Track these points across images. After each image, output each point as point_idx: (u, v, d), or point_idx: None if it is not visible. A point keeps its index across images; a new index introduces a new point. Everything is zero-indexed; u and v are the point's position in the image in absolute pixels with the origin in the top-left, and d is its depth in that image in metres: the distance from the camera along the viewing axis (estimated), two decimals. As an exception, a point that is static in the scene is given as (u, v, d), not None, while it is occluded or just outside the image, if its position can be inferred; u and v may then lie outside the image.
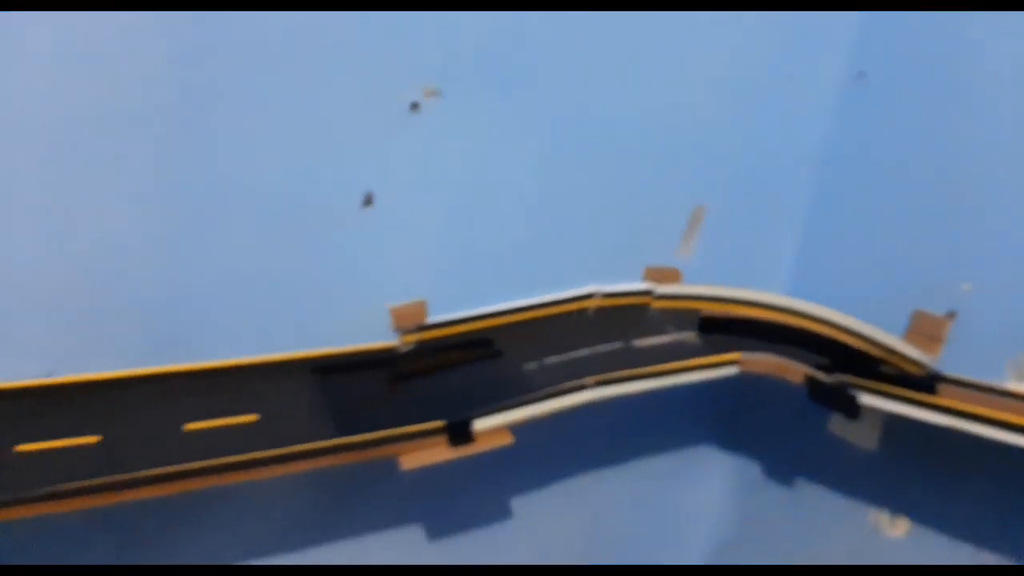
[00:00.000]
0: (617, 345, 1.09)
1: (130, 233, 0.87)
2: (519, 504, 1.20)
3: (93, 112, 0.82)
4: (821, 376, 1.06)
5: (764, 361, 1.09)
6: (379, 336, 1.02)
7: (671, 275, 1.15)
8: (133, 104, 0.83)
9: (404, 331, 1.03)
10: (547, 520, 1.22)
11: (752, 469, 1.30)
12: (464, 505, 1.16)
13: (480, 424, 0.95)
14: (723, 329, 1.13)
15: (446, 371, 1.04)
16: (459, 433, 0.94)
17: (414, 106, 0.97)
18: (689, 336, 1.12)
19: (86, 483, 0.78)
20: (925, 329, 1.06)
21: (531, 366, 1.04)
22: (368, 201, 0.98)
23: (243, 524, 1.03)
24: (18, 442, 0.80)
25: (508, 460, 1.05)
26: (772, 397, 1.24)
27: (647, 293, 1.13)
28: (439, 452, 0.92)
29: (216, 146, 0.88)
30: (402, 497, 1.11)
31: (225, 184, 0.90)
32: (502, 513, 1.19)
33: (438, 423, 0.94)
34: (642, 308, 1.13)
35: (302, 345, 0.97)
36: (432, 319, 1.04)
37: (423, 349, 1.04)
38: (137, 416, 0.85)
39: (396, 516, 1.13)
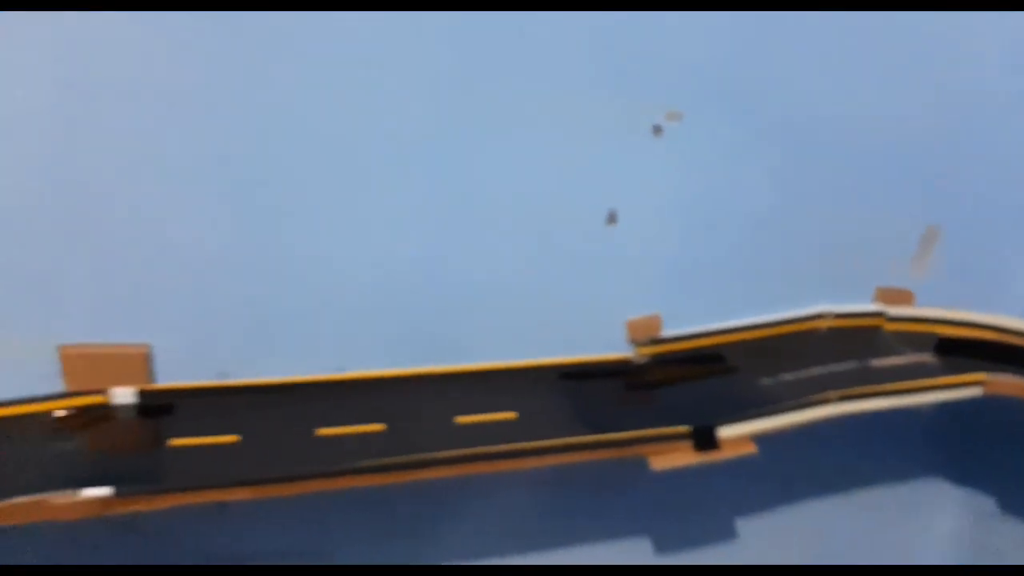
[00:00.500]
0: (852, 364, 1.09)
1: (409, 246, 0.98)
2: (745, 518, 1.21)
3: (380, 130, 0.93)
4: (1076, 399, 1.03)
5: (1011, 383, 1.06)
6: (616, 347, 1.08)
7: (904, 296, 1.14)
8: (417, 123, 0.94)
9: (639, 343, 1.08)
10: (770, 539, 1.22)
11: (987, 502, 1.25)
12: (691, 514, 1.18)
13: (725, 431, 0.98)
14: (962, 351, 1.11)
15: (681, 383, 1.07)
16: (704, 439, 0.97)
17: (657, 129, 1.03)
18: (926, 357, 1.11)
19: (377, 462, 0.87)
20: None
21: (767, 382, 1.06)
22: (612, 219, 1.04)
23: (490, 522, 1.10)
24: (318, 427, 0.90)
25: (739, 473, 1.07)
26: (1008, 424, 1.19)
27: (879, 315, 1.13)
28: (684, 456, 0.96)
29: (483, 166, 0.98)
30: (632, 502, 1.15)
31: (490, 202, 0.99)
32: (727, 524, 1.20)
33: (684, 428, 0.97)
34: (874, 329, 1.13)
35: (550, 352, 1.04)
36: (666, 333, 1.09)
37: (657, 362, 1.08)
38: (416, 409, 0.94)
39: (625, 521, 1.17)
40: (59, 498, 0.78)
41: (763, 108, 1.05)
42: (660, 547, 1.19)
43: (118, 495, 0.80)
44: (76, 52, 0.82)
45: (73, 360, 0.91)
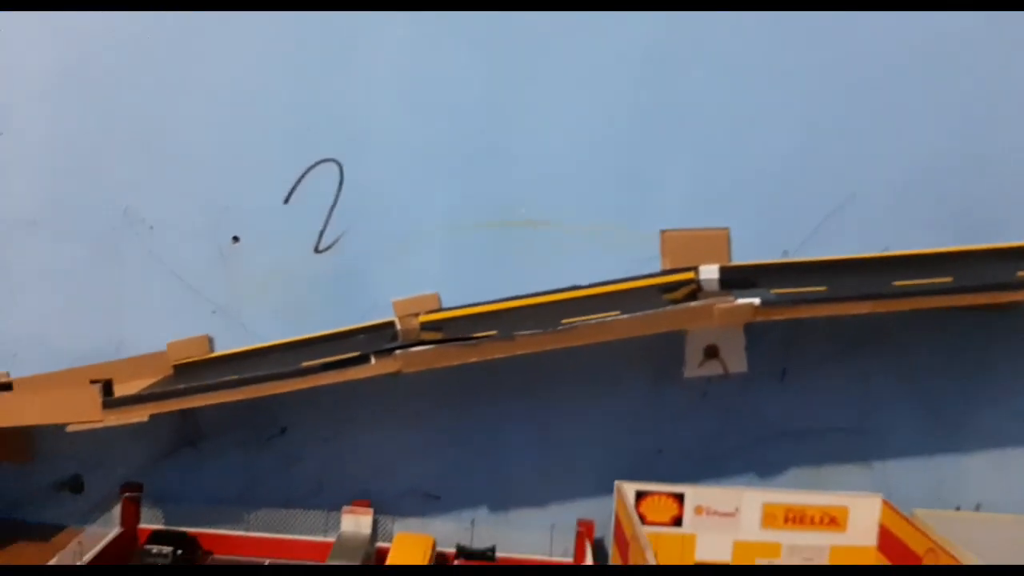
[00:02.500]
0: None
1: (951, 140, 1.11)
2: None
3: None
4: None
5: None
6: None
7: None
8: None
9: None
10: None
11: None
12: None
13: None
14: None
15: None
16: None
17: None
18: None
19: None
20: None
21: None
22: None
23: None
24: (894, 280, 1.04)
25: None
26: None
27: None
28: None
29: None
30: None
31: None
32: None
33: None
34: None
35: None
36: None
37: None
38: (978, 268, 1.05)
39: None
40: (721, 303, 0.97)
41: None
42: None
43: (763, 305, 0.97)
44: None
45: (671, 242, 1.13)
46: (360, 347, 1.08)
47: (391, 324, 1.15)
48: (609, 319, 0.96)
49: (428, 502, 1.21)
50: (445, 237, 1.16)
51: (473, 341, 0.97)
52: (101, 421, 0.98)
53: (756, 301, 0.96)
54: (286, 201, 1.15)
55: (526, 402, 1.19)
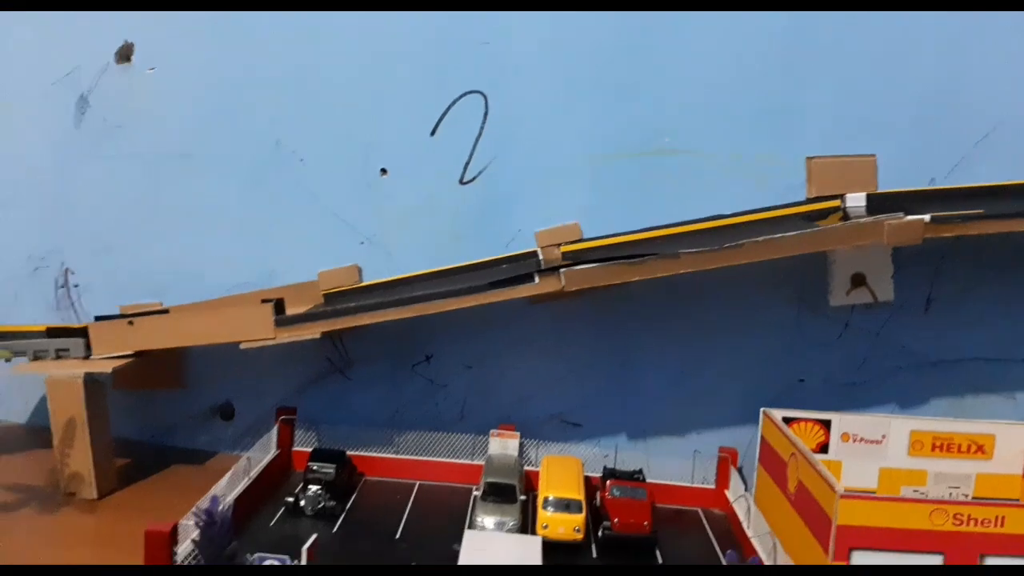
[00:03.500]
0: None
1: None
2: None
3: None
4: None
5: None
6: None
7: None
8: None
9: None
10: None
11: None
12: None
13: None
14: None
15: None
16: None
17: None
18: None
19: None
20: None
21: None
22: None
23: None
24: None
25: None
26: None
27: None
28: None
29: None
30: None
31: None
32: None
33: None
34: None
35: None
36: None
37: None
38: None
39: None
40: (892, 219, 0.97)
41: None
42: None
43: (933, 222, 0.97)
44: None
45: (817, 169, 1.12)
46: (505, 275, 1.10)
47: (533, 254, 1.17)
48: (776, 237, 0.97)
49: (569, 429, 1.23)
50: (588, 168, 1.18)
51: (637, 259, 0.98)
52: (274, 338, 1.02)
53: (926, 218, 0.96)
54: (432, 134, 1.18)
55: (665, 332, 1.21)
